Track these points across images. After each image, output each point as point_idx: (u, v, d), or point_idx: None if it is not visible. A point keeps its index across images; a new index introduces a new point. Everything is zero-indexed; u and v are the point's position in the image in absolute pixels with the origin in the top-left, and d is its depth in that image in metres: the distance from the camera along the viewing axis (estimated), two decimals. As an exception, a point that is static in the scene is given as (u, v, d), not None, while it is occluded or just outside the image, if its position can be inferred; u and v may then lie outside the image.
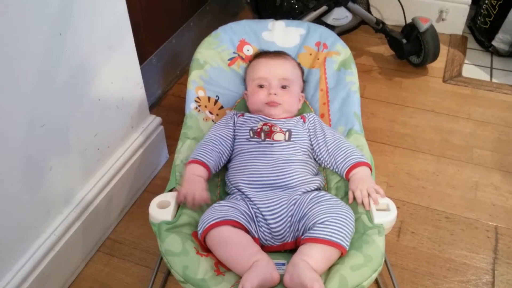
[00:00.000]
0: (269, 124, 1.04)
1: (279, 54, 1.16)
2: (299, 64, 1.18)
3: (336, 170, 1.00)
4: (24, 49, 0.82)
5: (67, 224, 1.02)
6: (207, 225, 0.83)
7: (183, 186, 0.92)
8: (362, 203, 0.90)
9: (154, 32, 1.52)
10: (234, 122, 1.08)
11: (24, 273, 0.93)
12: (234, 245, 0.82)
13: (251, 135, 1.03)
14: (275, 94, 1.07)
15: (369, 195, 0.90)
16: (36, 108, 0.88)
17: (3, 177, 0.84)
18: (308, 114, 1.09)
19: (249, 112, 1.13)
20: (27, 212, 0.92)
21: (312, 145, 1.04)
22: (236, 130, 1.06)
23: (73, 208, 1.04)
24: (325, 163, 1.03)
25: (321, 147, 1.02)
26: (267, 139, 1.02)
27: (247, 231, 0.86)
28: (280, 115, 1.07)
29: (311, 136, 1.05)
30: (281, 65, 1.12)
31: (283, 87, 1.09)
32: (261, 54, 1.18)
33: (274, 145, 1.00)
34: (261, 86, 1.09)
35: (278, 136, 1.02)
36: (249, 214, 0.89)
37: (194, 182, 0.93)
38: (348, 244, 0.82)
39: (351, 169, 0.96)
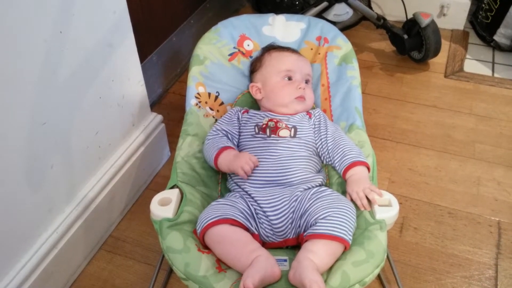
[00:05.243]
0: (275, 120, 1.03)
1: (296, 50, 1.17)
2: None
3: (335, 168, 1.00)
4: (25, 48, 0.81)
5: (69, 222, 1.02)
6: (205, 224, 0.83)
7: (234, 164, 0.94)
8: (362, 205, 0.89)
9: (155, 30, 1.52)
10: (238, 118, 1.07)
11: (26, 271, 0.93)
12: (233, 243, 0.82)
13: (257, 131, 1.03)
14: (304, 88, 1.07)
15: (367, 196, 0.89)
16: (37, 106, 0.88)
17: (5, 176, 0.84)
18: (314, 110, 1.08)
19: (253, 106, 1.12)
20: (29, 210, 0.92)
21: (315, 141, 1.04)
22: (241, 127, 1.06)
23: (75, 206, 1.04)
24: (326, 161, 1.02)
25: (323, 145, 1.02)
26: (272, 136, 1.01)
27: (246, 229, 0.86)
28: (300, 111, 1.07)
29: (315, 133, 1.04)
30: (305, 61, 1.14)
31: (306, 82, 1.10)
32: (280, 47, 1.16)
33: (280, 141, 1.00)
34: (289, 79, 1.09)
35: (284, 133, 1.01)
36: (248, 211, 0.89)
37: (240, 155, 0.96)
38: (351, 238, 0.82)
39: (347, 169, 0.96)
